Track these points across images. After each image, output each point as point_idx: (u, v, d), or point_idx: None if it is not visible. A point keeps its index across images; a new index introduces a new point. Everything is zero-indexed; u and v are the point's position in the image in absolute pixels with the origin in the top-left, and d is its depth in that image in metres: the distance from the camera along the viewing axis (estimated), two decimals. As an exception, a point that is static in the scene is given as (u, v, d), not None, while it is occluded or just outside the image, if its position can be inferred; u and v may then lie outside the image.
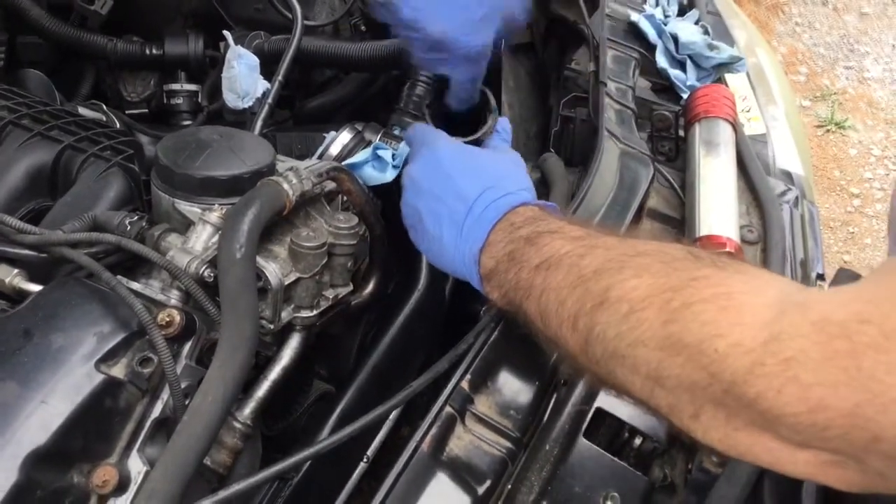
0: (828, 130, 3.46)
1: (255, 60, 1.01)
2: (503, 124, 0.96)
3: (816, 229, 1.00)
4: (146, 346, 0.72)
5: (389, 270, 1.00)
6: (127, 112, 1.30)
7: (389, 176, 1.04)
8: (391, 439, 1.03)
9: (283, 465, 0.72)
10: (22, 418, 0.66)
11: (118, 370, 0.70)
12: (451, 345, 0.77)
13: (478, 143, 0.99)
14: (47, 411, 0.66)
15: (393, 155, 1.05)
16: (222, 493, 0.65)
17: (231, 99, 1.00)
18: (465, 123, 1.00)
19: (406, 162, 0.89)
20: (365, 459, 0.99)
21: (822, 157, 3.28)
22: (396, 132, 1.12)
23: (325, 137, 1.18)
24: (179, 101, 1.31)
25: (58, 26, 1.25)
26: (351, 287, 0.88)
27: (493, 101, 0.99)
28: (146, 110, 1.33)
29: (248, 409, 0.78)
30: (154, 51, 1.28)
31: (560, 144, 1.17)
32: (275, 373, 0.80)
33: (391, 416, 1.03)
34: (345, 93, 1.37)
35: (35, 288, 0.77)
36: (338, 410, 0.95)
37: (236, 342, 0.70)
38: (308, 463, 0.89)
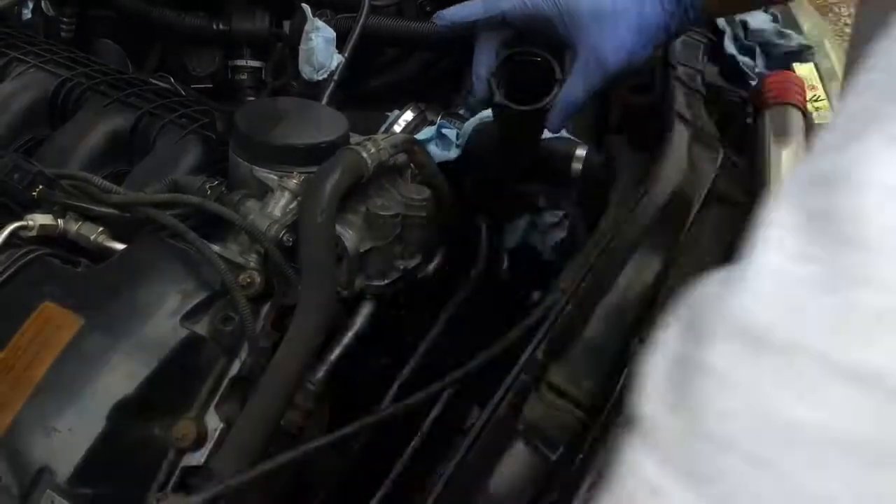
0: (875, 133, 3.41)
1: (332, 34, 1.03)
2: (569, 97, 0.90)
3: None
4: (227, 305, 0.74)
5: (455, 246, 1.01)
6: (192, 86, 1.33)
7: (453, 154, 1.04)
8: (441, 418, 1.04)
9: (356, 426, 0.73)
10: (110, 368, 0.68)
11: (201, 327, 0.72)
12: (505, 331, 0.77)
13: (542, 111, 0.96)
14: (134, 363, 0.69)
15: (457, 134, 1.05)
16: (302, 448, 0.67)
17: (307, 72, 1.02)
18: (528, 91, 0.96)
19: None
20: (419, 434, 1.01)
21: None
22: (461, 111, 1.13)
23: (387, 116, 1.20)
24: (244, 76, 1.33)
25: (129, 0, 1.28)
26: (419, 259, 0.89)
27: (558, 70, 0.95)
28: (210, 85, 1.35)
29: (320, 373, 0.80)
30: (221, 26, 1.31)
31: (619, 129, 1.17)
32: (347, 339, 0.82)
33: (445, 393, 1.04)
34: (406, 74, 1.38)
35: (118, 246, 0.79)
36: (398, 382, 0.97)
37: (317, 304, 0.72)
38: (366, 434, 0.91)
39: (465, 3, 0.93)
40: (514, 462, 0.66)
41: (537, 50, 0.93)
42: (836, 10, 3.99)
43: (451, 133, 1.06)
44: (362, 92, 1.37)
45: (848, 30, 3.91)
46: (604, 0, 0.89)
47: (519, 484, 0.65)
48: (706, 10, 0.90)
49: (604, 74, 0.89)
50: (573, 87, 0.89)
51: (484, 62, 0.92)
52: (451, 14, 0.93)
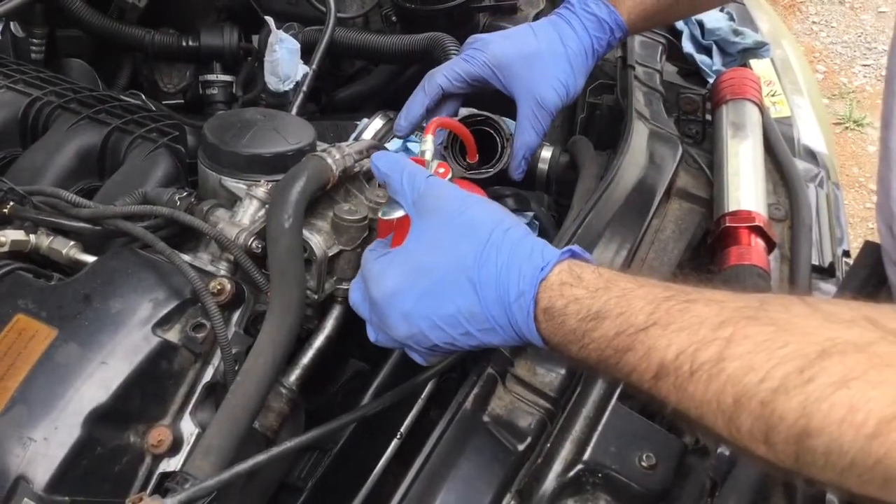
0: (846, 128, 3.46)
1: (296, 45, 1.05)
2: (524, 145, 0.95)
3: (841, 208, 1.02)
4: (199, 313, 0.75)
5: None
6: (163, 102, 1.35)
7: None
8: (420, 422, 1.06)
9: (331, 427, 0.75)
10: (84, 377, 0.69)
11: (173, 335, 0.73)
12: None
13: (501, 174, 1.00)
14: (107, 372, 0.69)
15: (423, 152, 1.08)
16: (276, 449, 0.68)
17: (273, 82, 1.04)
18: (485, 149, 1.00)
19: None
20: (399, 436, 1.02)
21: (841, 155, 3.29)
22: (425, 123, 1.15)
23: (356, 125, 1.22)
24: (214, 91, 1.34)
25: (98, 19, 1.29)
26: (389, 262, 0.91)
27: (506, 128, 0.99)
28: (182, 101, 1.37)
29: (293, 376, 0.81)
30: (190, 42, 1.32)
31: (587, 131, 1.20)
32: (319, 341, 0.83)
33: (423, 394, 1.06)
34: (374, 83, 1.40)
35: (89, 259, 0.80)
36: (374, 386, 0.98)
37: (286, 307, 0.73)
38: (346, 436, 0.92)
39: (412, 96, 0.97)
40: (480, 453, 0.67)
41: (482, 113, 0.98)
42: (803, 9, 4.05)
43: (416, 147, 1.09)
44: (333, 101, 1.40)
45: (815, 27, 3.98)
46: (528, 44, 0.93)
47: (485, 474, 0.67)
48: (632, 27, 0.94)
49: (549, 114, 0.93)
50: (524, 135, 0.94)
51: (418, 101, 0.96)
52: (404, 117, 0.97)
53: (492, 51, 0.93)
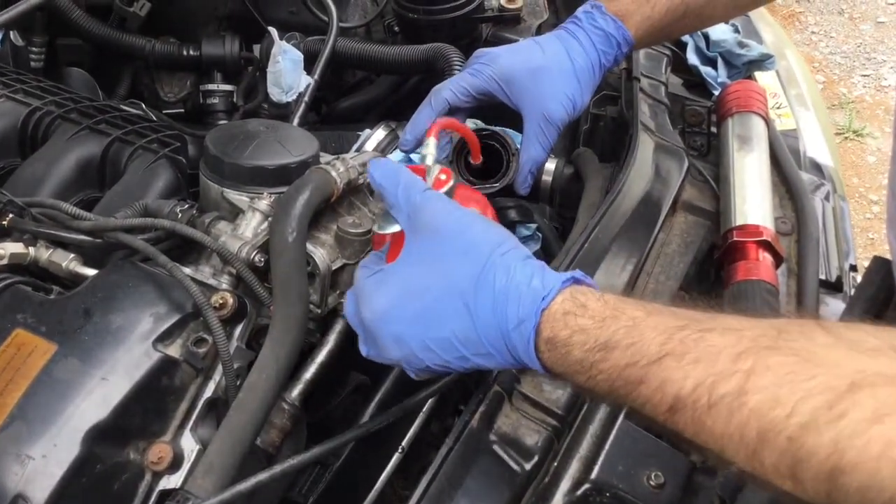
0: (846, 138, 3.46)
1: (299, 56, 1.04)
2: (530, 160, 0.94)
3: (847, 221, 1.01)
4: (200, 327, 0.74)
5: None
6: (164, 111, 1.34)
7: None
8: (422, 435, 1.05)
9: (333, 444, 0.73)
10: (84, 393, 0.68)
11: (174, 350, 0.72)
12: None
13: (507, 188, 0.99)
14: (108, 387, 0.68)
15: (424, 157, 1.07)
16: (278, 467, 0.67)
17: (276, 93, 1.03)
18: (491, 163, 0.99)
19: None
20: (400, 450, 1.01)
21: (841, 165, 3.28)
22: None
23: (358, 136, 1.21)
24: (215, 100, 1.34)
25: (98, 27, 1.29)
26: (392, 275, 0.90)
27: (512, 143, 0.98)
28: (182, 110, 1.37)
29: (296, 392, 0.80)
30: (191, 52, 1.32)
31: (590, 142, 1.19)
32: (322, 355, 0.82)
33: (425, 408, 1.05)
34: (376, 94, 1.39)
35: (90, 272, 0.79)
36: (376, 399, 0.97)
37: (289, 322, 0.72)
38: (347, 451, 0.91)
39: (417, 110, 0.96)
40: (487, 473, 0.66)
41: (488, 127, 0.98)
42: (802, 19, 4.06)
43: (418, 158, 1.08)
44: (334, 111, 1.39)
45: (814, 38, 3.98)
46: (535, 58, 0.92)
47: (492, 494, 0.66)
48: (639, 42, 0.94)
49: (556, 129, 0.92)
50: (531, 150, 0.93)
51: (424, 116, 0.95)
52: (410, 132, 0.96)
53: (499, 65, 0.92)
